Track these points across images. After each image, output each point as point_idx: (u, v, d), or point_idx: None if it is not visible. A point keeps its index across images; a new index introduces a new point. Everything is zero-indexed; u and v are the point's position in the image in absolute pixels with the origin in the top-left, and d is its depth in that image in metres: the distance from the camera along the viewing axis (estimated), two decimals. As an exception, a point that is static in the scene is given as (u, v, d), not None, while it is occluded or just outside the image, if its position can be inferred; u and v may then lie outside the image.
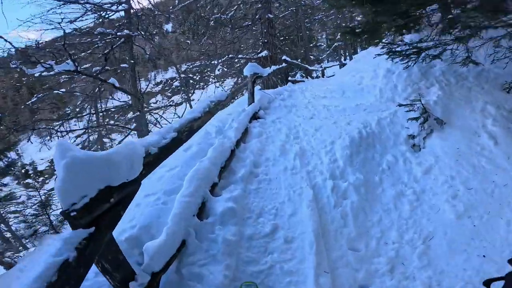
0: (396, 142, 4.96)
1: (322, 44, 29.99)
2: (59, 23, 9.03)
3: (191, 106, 11.74)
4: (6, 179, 12.44)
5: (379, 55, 6.09)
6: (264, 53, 12.54)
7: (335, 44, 22.34)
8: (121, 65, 13.26)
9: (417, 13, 5.17)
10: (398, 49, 5.88)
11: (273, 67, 8.12)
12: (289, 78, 9.60)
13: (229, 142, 4.58)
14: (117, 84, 6.08)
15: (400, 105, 5.48)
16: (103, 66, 7.00)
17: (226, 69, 17.46)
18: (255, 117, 6.31)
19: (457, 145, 4.45)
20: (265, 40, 13.41)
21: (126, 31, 12.89)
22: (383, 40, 5.90)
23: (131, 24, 13.44)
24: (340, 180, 4.08)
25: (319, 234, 3.06)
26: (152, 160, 2.11)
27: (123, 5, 13.15)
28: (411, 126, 5.19)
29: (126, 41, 13.11)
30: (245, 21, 13.66)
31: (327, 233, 3.21)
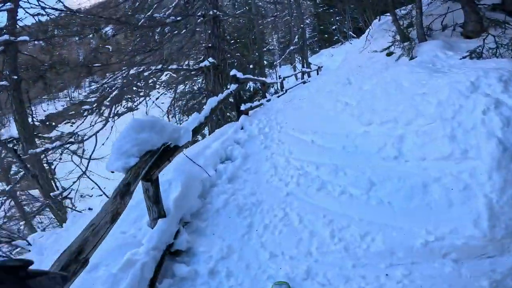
0: None
1: (274, 47, 25.84)
2: None
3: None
4: None
5: None
6: (206, 62, 8.04)
7: (291, 47, 18.24)
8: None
9: None
10: None
11: (211, 104, 3.61)
12: (242, 107, 5.12)
13: None
14: None
15: None
16: None
17: (174, 74, 12.85)
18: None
19: None
20: (209, 44, 8.88)
21: (5, 37, 7.81)
22: None
23: (16, 27, 8.38)
24: None
25: None
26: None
27: (8, 4, 8.01)
28: None
29: (6, 49, 8.00)
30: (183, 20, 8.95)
31: None
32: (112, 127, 7.16)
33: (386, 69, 4.36)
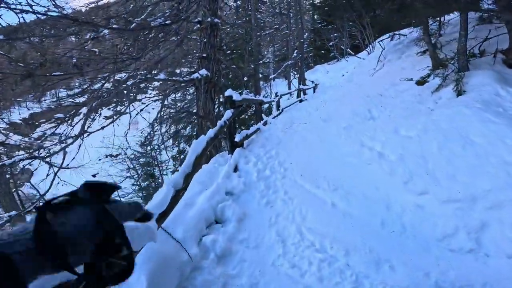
0: None
1: (269, 60, 24.81)
2: None
3: None
4: None
5: None
6: (196, 75, 6.89)
7: (289, 62, 17.21)
8: None
9: None
10: None
11: (196, 149, 2.40)
12: (236, 137, 3.90)
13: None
14: None
15: None
16: None
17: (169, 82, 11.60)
18: None
19: None
20: (204, 54, 7.74)
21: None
22: None
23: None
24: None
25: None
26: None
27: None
28: None
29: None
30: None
31: None
32: (80, 146, 5.87)
33: (422, 104, 3.26)
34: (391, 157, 2.72)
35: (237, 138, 4.24)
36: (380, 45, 7.24)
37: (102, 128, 6.33)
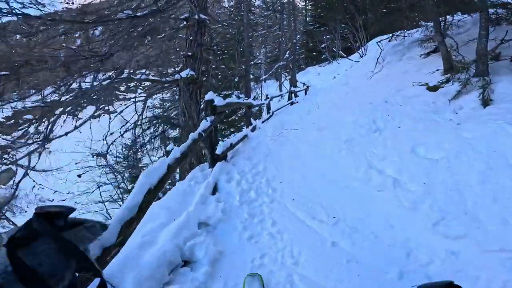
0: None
1: (260, 61, 24.17)
2: None
3: None
4: None
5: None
6: (179, 75, 6.22)
7: (280, 63, 16.62)
8: None
9: None
10: None
11: (153, 174, 1.72)
12: (218, 149, 3.23)
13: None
14: None
15: None
16: None
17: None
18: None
19: None
20: (189, 53, 7.04)
21: None
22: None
23: None
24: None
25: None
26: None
27: None
28: None
29: None
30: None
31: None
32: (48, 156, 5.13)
33: (438, 114, 2.68)
34: (411, 186, 2.11)
35: (219, 149, 3.58)
36: (378, 46, 6.68)
37: (74, 129, 5.56)
